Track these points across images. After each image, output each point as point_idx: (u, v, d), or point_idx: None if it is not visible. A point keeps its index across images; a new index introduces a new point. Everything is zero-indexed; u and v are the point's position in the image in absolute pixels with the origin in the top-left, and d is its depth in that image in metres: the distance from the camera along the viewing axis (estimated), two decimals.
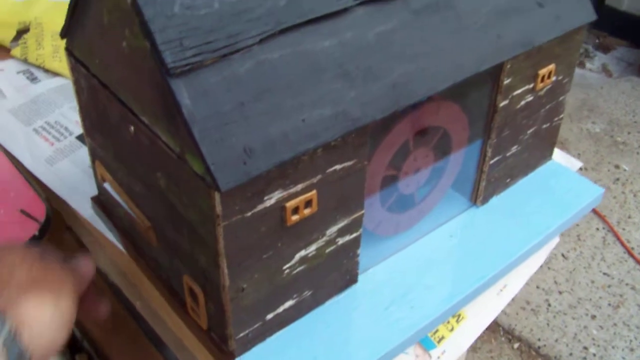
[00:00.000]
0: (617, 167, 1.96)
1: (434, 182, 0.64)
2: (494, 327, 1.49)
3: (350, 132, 0.47)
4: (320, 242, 0.53)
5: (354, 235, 0.55)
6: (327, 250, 0.54)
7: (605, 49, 2.57)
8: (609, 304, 1.53)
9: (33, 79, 0.87)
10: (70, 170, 0.72)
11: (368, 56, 0.49)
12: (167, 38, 0.42)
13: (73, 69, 0.58)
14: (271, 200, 0.46)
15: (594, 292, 1.56)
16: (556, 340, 1.45)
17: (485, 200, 0.68)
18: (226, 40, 0.43)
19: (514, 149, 0.67)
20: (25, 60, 0.90)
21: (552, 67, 0.64)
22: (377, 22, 0.50)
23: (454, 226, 0.66)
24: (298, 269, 0.52)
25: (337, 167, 0.49)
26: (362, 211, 0.54)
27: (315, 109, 0.46)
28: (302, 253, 0.52)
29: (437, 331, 0.63)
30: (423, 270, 0.61)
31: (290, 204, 0.47)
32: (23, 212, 0.60)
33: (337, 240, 0.54)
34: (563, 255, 1.66)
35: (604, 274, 1.61)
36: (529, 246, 0.64)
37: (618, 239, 1.70)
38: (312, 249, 0.52)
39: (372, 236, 0.62)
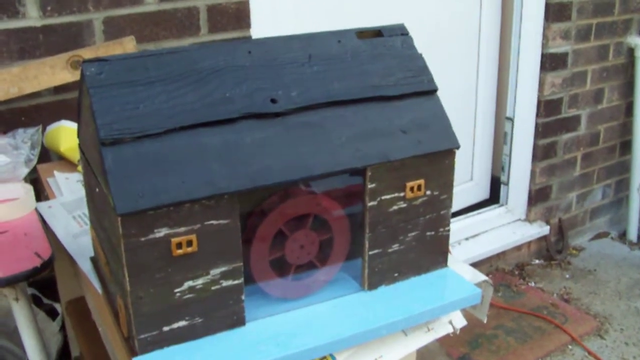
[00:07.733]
0: None
1: (324, 260, 0.84)
2: None
3: (216, 195, 0.71)
4: (206, 279, 0.74)
5: (237, 282, 0.76)
6: (213, 288, 0.75)
7: None
8: None
9: None
10: (85, 243, 1.00)
11: (242, 151, 0.74)
12: (104, 122, 0.70)
13: (83, 165, 0.87)
14: (160, 233, 0.70)
15: None
16: None
17: (372, 286, 0.87)
18: (141, 128, 0.71)
19: (396, 246, 0.86)
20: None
21: (420, 181, 0.84)
22: (255, 131, 0.75)
23: (339, 301, 0.85)
24: (188, 296, 0.74)
25: (214, 222, 0.72)
26: (241, 263, 0.76)
27: (193, 177, 0.70)
28: (191, 283, 0.74)
29: None
30: (299, 326, 0.80)
31: (175, 240, 0.71)
32: (36, 253, 0.87)
33: (221, 281, 0.75)
34: None
35: None
36: (388, 322, 0.81)
37: None
38: (199, 282, 0.74)
39: (267, 296, 0.82)
